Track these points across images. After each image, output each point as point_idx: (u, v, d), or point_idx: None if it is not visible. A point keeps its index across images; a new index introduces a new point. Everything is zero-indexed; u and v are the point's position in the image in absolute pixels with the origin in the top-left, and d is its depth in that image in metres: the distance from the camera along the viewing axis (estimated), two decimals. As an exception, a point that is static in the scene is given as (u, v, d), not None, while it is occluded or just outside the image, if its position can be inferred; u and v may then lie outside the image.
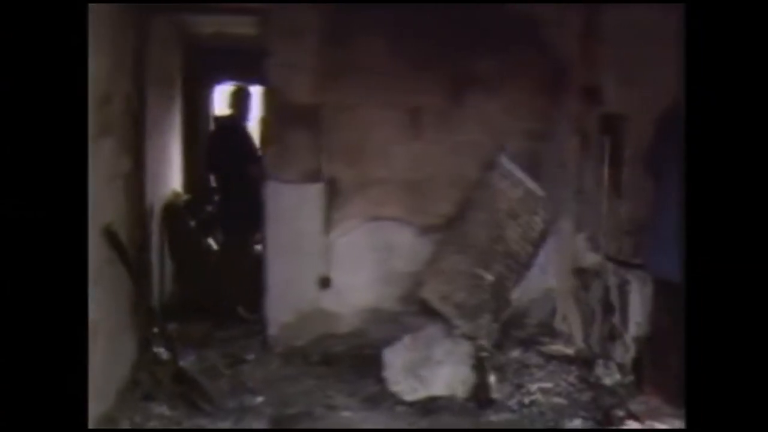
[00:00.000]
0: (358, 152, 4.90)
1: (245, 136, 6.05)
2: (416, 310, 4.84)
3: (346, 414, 4.06)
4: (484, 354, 4.51)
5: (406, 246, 4.98)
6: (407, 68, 4.80)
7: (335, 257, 4.93)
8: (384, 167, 4.94)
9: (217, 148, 6.01)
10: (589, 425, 3.93)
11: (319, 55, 4.76)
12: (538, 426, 3.96)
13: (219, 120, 7.23)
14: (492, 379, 4.32)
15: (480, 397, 4.22)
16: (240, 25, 5.84)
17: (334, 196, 4.90)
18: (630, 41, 4.18)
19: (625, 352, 4.39)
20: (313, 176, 4.87)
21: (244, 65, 6.03)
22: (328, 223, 4.91)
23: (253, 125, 6.49)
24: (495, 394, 4.24)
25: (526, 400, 4.21)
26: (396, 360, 4.40)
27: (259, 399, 4.19)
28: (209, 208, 6.75)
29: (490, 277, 4.84)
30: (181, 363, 4.27)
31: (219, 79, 8.01)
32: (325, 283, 4.94)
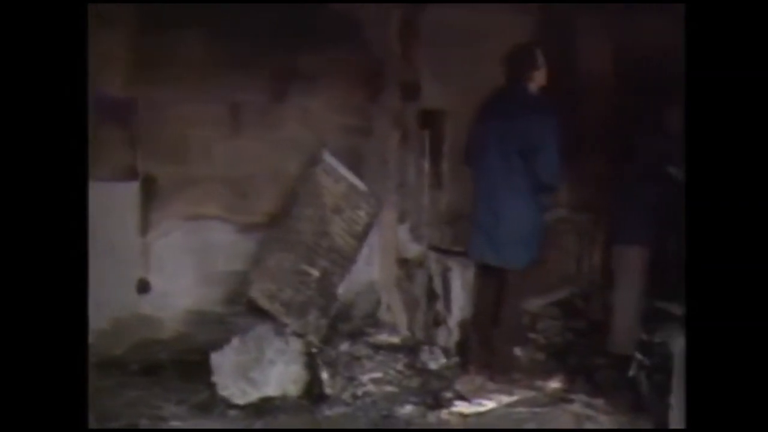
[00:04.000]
0: (176, 149, 4.67)
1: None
2: (243, 310, 4.71)
3: (175, 423, 3.84)
4: (315, 350, 4.51)
5: (229, 245, 4.84)
6: (227, 63, 4.65)
7: (153, 259, 4.66)
8: (203, 165, 4.76)
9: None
10: (419, 410, 4.05)
11: (133, 46, 4.48)
12: (372, 415, 4.03)
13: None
14: (324, 374, 4.32)
15: (313, 393, 4.21)
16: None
17: (150, 195, 4.63)
18: (446, 40, 4.40)
19: (449, 336, 4.60)
20: (128, 174, 4.57)
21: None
22: (145, 224, 4.64)
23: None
24: (328, 390, 4.24)
25: (359, 392, 4.25)
26: (224, 363, 4.24)
27: (76, 415, 3.85)
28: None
29: (316, 273, 4.83)
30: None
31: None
32: (143, 286, 4.66)
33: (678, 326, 3.38)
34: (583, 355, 4.72)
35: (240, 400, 4.10)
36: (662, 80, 4.82)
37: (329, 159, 4.88)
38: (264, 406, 4.08)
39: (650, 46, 4.94)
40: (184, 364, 4.48)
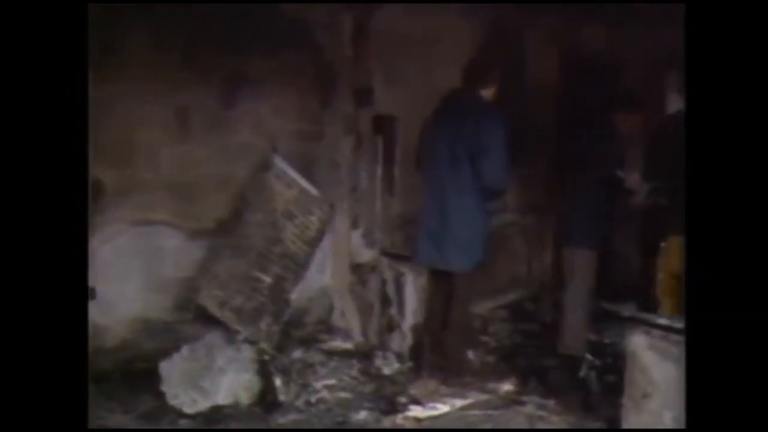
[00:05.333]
0: (123, 152, 4.53)
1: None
2: (192, 317, 4.61)
3: (124, 434, 3.75)
4: (267, 357, 4.45)
5: (177, 251, 4.72)
6: (175, 66, 4.56)
7: (99, 265, 4.51)
8: (151, 169, 4.63)
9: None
10: (374, 415, 4.04)
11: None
12: (327, 422, 3.99)
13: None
14: (277, 381, 4.27)
15: (266, 401, 4.15)
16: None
17: (96, 198, 4.49)
18: (399, 45, 4.42)
19: (402, 340, 4.60)
20: (73, 177, 4.42)
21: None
22: (90, 229, 4.49)
23: None
24: (281, 397, 4.19)
25: (313, 399, 4.22)
26: (173, 372, 4.15)
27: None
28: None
29: (268, 279, 4.78)
30: None
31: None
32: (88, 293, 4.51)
33: (627, 326, 3.46)
34: (534, 357, 4.80)
35: (190, 409, 4.02)
36: (608, 87, 4.98)
37: (280, 164, 4.84)
38: (215, 415, 4.01)
39: (596, 53, 5.10)
40: (131, 373, 4.35)
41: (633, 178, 4.44)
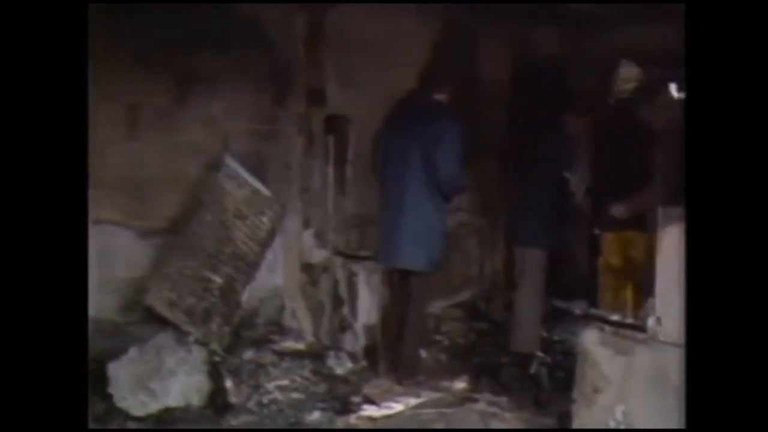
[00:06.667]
0: (70, 149, 4.44)
1: None
2: (141, 318, 4.52)
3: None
4: (218, 359, 4.39)
5: (127, 251, 4.62)
6: (126, 63, 4.46)
7: (45, 266, 4.38)
8: (100, 167, 4.52)
9: None
10: (327, 416, 4.02)
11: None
12: (279, 423, 3.96)
13: None
14: (228, 383, 4.21)
15: (217, 402, 4.09)
16: None
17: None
18: (352, 45, 4.43)
19: (355, 340, 4.60)
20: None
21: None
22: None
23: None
24: (233, 398, 4.13)
25: (265, 400, 4.18)
26: (122, 373, 4.05)
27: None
28: None
29: (218, 280, 4.71)
30: None
31: None
32: (34, 294, 4.37)
33: (579, 323, 3.53)
34: (486, 355, 4.86)
35: (139, 412, 3.94)
36: (558, 89, 5.08)
37: (232, 164, 4.78)
38: (165, 417, 3.93)
39: (547, 56, 5.19)
40: (78, 375, 4.25)
41: (573, 179, 4.55)
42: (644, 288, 3.75)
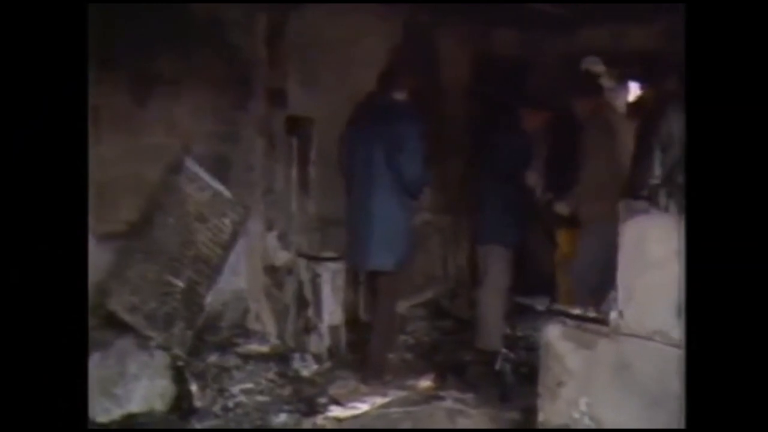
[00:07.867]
0: (28, 152, 4.34)
1: None
2: (103, 323, 4.44)
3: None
4: (181, 363, 4.34)
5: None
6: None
7: (2, 270, 4.28)
8: (58, 170, 4.45)
9: None
10: (294, 418, 4.01)
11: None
12: (245, 427, 3.93)
13: None
14: (193, 387, 4.17)
15: (182, 407, 4.05)
16: None
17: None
18: (314, 46, 4.42)
19: (320, 341, 4.59)
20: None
21: None
22: None
23: None
24: (197, 403, 4.09)
25: (230, 404, 4.14)
26: (83, 380, 3.99)
27: None
28: None
29: (181, 284, 4.64)
30: None
31: None
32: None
33: (542, 318, 3.57)
34: (451, 353, 4.89)
35: (102, 418, 3.86)
36: (516, 86, 5.16)
37: (193, 166, 4.72)
38: (128, 423, 3.87)
39: (507, 56, 5.26)
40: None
41: (532, 176, 4.61)
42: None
